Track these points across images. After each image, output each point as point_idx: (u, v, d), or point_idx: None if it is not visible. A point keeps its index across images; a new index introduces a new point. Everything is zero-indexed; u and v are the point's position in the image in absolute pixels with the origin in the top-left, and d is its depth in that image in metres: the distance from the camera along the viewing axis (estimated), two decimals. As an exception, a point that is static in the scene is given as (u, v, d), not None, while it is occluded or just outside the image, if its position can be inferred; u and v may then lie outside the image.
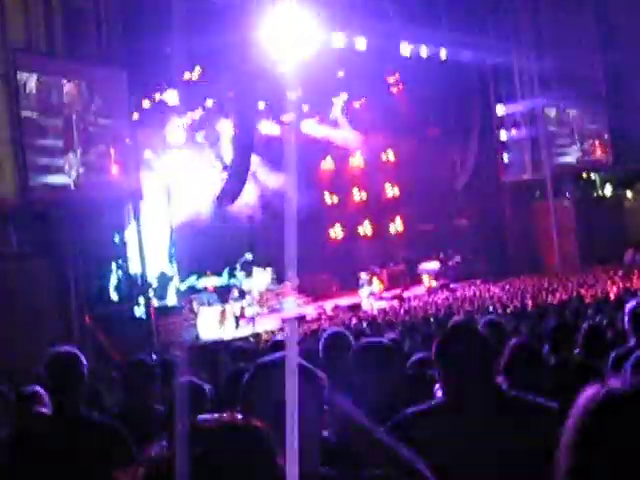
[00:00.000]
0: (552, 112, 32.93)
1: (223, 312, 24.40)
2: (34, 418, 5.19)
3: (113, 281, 19.78)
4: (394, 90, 30.83)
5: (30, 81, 16.57)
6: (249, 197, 28.84)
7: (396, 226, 33.52)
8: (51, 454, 4.38)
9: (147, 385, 6.07)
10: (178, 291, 25.48)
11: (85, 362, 4.79)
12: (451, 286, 28.95)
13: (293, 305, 25.40)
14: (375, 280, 28.67)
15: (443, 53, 29.11)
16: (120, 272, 19.56)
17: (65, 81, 17.57)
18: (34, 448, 4.44)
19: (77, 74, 17.91)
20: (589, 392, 1.86)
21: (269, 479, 1.86)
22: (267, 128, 29.07)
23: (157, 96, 24.19)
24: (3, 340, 14.05)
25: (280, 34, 22.69)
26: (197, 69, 23.91)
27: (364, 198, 33.47)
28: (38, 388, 5.62)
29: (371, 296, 27.57)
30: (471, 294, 25.48)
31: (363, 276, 28.03)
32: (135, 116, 21.54)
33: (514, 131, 32.92)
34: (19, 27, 16.68)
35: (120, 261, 19.36)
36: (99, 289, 19.25)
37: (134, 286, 19.61)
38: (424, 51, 28.54)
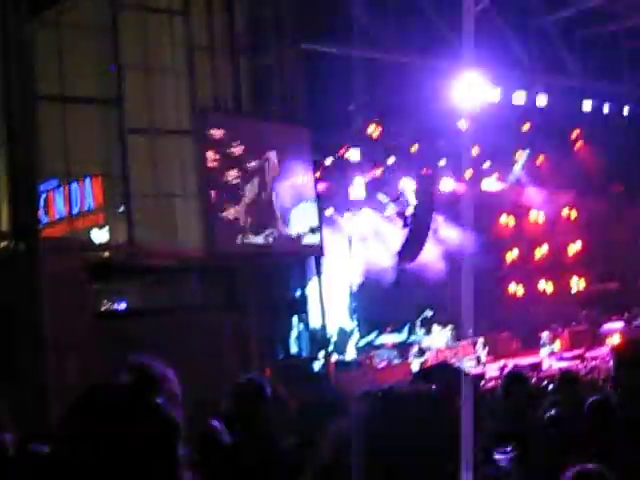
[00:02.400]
0: None
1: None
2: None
3: (294, 335, 19.61)
4: (576, 146, 29.81)
5: (217, 139, 16.67)
6: (430, 254, 28.35)
7: (578, 285, 32.25)
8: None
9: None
10: (357, 347, 25.16)
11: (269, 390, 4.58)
12: (637, 347, 27.39)
13: (472, 363, 24.68)
14: (557, 339, 27.61)
15: (626, 109, 28.01)
16: (301, 326, 19.34)
17: (251, 141, 17.60)
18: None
19: (262, 133, 17.92)
20: None
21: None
22: (448, 185, 28.65)
23: (340, 153, 24.17)
24: (183, 394, 13.93)
25: (463, 92, 22.24)
26: (379, 126, 23.74)
27: (545, 255, 32.49)
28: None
29: (552, 356, 26.55)
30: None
31: (544, 335, 27.09)
32: (318, 174, 21.47)
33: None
34: (206, 86, 16.87)
35: (301, 315, 19.15)
36: (280, 342, 19.10)
37: (314, 340, 19.34)
38: (606, 107, 27.51)
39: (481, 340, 27.13)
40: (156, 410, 2.05)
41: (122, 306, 16.94)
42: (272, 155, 17.98)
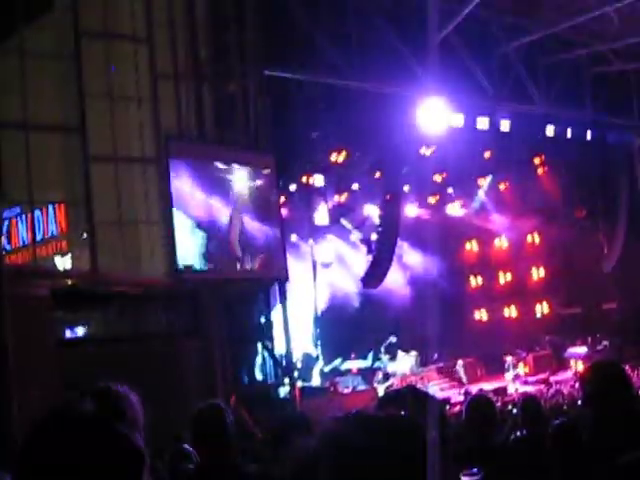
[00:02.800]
0: None
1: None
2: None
3: (258, 361, 19.65)
4: (540, 172, 30.14)
5: (180, 167, 16.75)
6: (394, 280, 28.52)
7: (542, 309, 32.54)
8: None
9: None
10: (322, 373, 25.22)
11: (230, 416, 4.68)
12: (600, 371, 27.67)
13: (436, 389, 24.80)
14: (521, 364, 27.83)
15: (588, 134, 28.39)
16: (266, 352, 19.39)
17: (214, 168, 17.70)
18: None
19: (227, 160, 18.03)
20: None
21: None
22: (412, 211, 28.89)
23: (304, 180, 24.31)
24: (149, 418, 13.93)
25: (426, 118, 22.47)
26: (343, 153, 23.92)
27: (509, 281, 32.80)
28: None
29: (517, 380, 26.76)
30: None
31: (509, 360, 27.31)
32: (282, 200, 21.59)
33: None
34: (170, 114, 16.95)
35: (266, 341, 19.19)
36: (245, 368, 19.13)
37: (279, 366, 19.38)
38: (569, 132, 27.87)
39: (460, 362, 27.32)
40: (123, 439, 2.01)
41: (83, 334, 16.90)
42: (238, 183, 18.10)
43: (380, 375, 25.19)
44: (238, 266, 17.98)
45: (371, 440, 1.91)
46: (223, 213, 17.70)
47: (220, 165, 17.76)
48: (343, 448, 1.91)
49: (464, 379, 27.38)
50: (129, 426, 2.34)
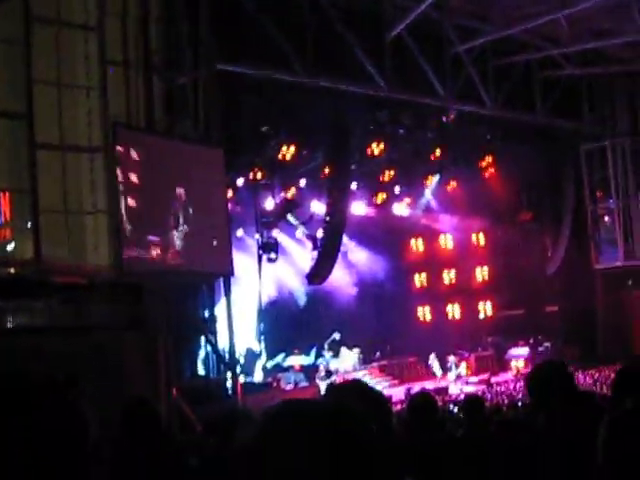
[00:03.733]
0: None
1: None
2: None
3: (201, 355, 19.77)
4: (487, 174, 30.58)
5: (127, 156, 16.80)
6: (339, 277, 28.76)
7: (486, 310, 33.01)
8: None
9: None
10: (265, 368, 25.39)
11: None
12: (540, 373, 28.19)
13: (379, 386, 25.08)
14: (463, 364, 28.24)
15: (537, 137, 28.88)
16: (209, 346, 19.52)
17: (162, 158, 17.76)
18: None
19: (175, 151, 18.11)
20: None
21: None
22: (359, 209, 29.12)
23: (251, 174, 24.41)
24: (93, 411, 14.01)
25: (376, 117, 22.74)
26: (292, 148, 24.07)
27: (453, 281, 33.19)
28: None
29: (458, 380, 27.15)
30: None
31: (451, 360, 27.68)
32: (229, 194, 21.69)
33: (607, 218, 32.26)
34: (119, 103, 16.98)
35: (209, 336, 19.32)
36: (188, 363, 19.25)
37: (222, 361, 19.52)
38: (517, 135, 28.32)
39: (452, 358, 27.54)
40: (70, 405, 2.07)
41: (24, 323, 16.87)
42: (185, 173, 18.19)
43: (323, 372, 25.43)
44: (183, 259, 18.08)
45: (305, 423, 1.88)
46: (170, 205, 17.79)
47: (168, 156, 17.82)
48: (276, 433, 1.87)
49: (438, 373, 27.62)
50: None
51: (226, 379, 19.71)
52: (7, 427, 1.94)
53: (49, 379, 2.12)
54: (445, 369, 27.94)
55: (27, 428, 1.94)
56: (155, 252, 17.41)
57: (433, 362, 28.15)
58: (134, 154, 16.97)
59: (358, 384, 3.31)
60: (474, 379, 27.91)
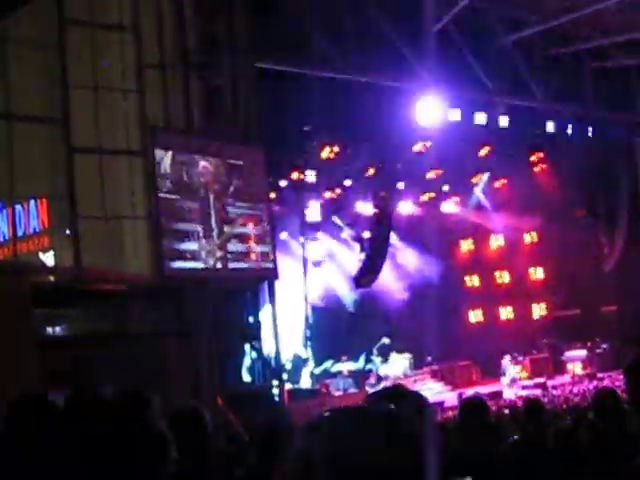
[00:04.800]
0: None
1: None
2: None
3: (246, 362, 19.68)
4: (538, 170, 30.19)
5: (166, 159, 16.75)
6: (388, 279, 28.60)
7: (540, 311, 32.63)
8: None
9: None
10: (312, 375, 25.28)
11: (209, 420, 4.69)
12: (598, 375, 27.76)
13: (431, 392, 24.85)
14: (517, 367, 27.89)
15: (589, 131, 28.43)
16: (254, 353, 19.42)
17: (202, 160, 17.68)
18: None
19: (214, 153, 18.03)
20: None
21: None
22: (407, 208, 28.95)
23: (295, 175, 24.32)
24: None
25: (422, 113, 22.53)
26: (336, 147, 23.95)
27: (506, 281, 32.88)
28: None
29: (513, 384, 26.80)
30: (619, 385, 24.31)
31: (505, 363, 27.33)
32: (272, 196, 21.60)
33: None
34: (157, 105, 16.95)
35: (254, 342, 19.22)
36: (232, 370, 19.15)
37: (267, 368, 19.41)
38: (569, 129, 27.90)
39: (506, 361, 27.22)
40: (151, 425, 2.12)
41: (65, 332, 16.91)
42: (224, 176, 18.11)
43: (372, 378, 25.28)
44: (226, 264, 18.00)
45: (357, 426, 1.98)
46: (211, 208, 17.72)
47: (208, 158, 17.77)
48: (331, 437, 1.97)
49: (516, 375, 27.27)
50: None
51: (272, 386, 19.62)
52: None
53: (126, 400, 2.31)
54: (499, 372, 27.59)
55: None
56: (196, 257, 17.34)
57: (506, 365, 27.69)
58: (171, 158, 16.93)
59: (399, 387, 3.42)
60: (529, 382, 27.54)
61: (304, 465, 1.99)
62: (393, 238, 27.30)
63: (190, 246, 17.08)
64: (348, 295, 28.24)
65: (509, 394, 25.58)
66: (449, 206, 30.81)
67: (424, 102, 22.28)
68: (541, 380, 27.41)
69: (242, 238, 18.35)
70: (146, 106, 16.59)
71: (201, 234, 17.46)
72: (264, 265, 18.90)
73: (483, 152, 27.86)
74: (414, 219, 29.23)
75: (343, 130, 23.35)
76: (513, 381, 27.03)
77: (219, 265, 17.77)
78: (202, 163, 17.64)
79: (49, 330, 15.96)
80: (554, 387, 26.06)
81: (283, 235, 25.18)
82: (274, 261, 19.28)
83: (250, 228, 18.47)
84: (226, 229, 17.99)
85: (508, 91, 24.60)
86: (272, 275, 19.39)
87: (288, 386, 21.49)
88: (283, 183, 24.25)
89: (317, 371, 25.74)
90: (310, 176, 24.70)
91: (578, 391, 23.97)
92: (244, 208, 18.52)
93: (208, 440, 5.01)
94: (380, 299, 28.52)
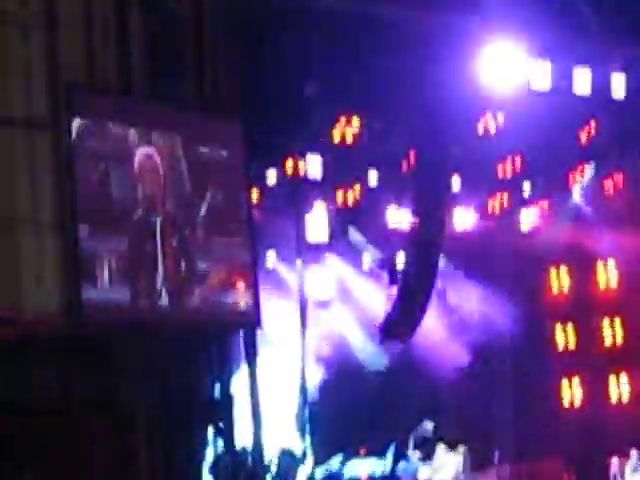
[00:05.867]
0: None
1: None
2: None
3: (208, 457, 19.69)
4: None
5: (87, 137, 16.77)
6: (432, 330, 28.66)
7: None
8: None
9: None
10: (312, 479, 25.32)
11: None
12: None
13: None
14: (639, 472, 27.93)
15: None
16: (220, 443, 19.44)
17: (143, 141, 17.71)
18: None
19: (164, 127, 18.08)
20: None
21: None
22: (465, 220, 28.98)
23: (289, 164, 24.32)
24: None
25: (492, 70, 22.62)
26: (355, 122, 24.00)
27: (619, 336, 32.79)
28: None
29: (632, 499, 26.91)
30: None
31: (614, 463, 27.35)
32: (254, 196, 21.62)
33: None
34: (75, 50, 16.98)
35: (220, 425, 19.24)
36: (185, 470, 19.11)
37: (240, 467, 19.44)
38: None
39: (617, 463, 27.18)
40: None
41: None
42: (177, 164, 18.16)
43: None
44: (178, 303, 18.05)
45: None
46: (157, 216, 17.77)
47: (153, 136, 17.82)
48: None
49: None
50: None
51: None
52: None
53: None
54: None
55: None
56: (133, 292, 17.39)
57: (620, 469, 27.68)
58: (101, 134, 16.99)
59: None
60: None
61: None
62: (443, 265, 27.32)
63: (120, 271, 17.12)
64: (371, 354, 28.29)
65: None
66: (532, 217, 30.81)
67: (495, 53, 22.33)
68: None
69: (204, 263, 18.41)
70: (59, 52, 16.64)
71: (141, 256, 17.52)
72: (236, 303, 18.95)
73: (587, 134, 27.89)
74: (476, 237, 29.22)
75: (367, 96, 23.41)
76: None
77: (165, 302, 17.80)
78: (143, 145, 17.67)
79: None
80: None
81: (269, 258, 25.19)
82: (255, 299, 19.34)
83: (215, 248, 18.53)
84: (180, 250, 18.06)
85: (630, 41, 24.64)
86: (251, 321, 19.45)
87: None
88: (272, 176, 24.26)
89: (320, 473, 25.76)
90: (314, 166, 24.71)
91: None
92: (209, 217, 18.56)
93: None
94: (421, 362, 28.55)
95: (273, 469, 23.17)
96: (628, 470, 26.96)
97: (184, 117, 18.53)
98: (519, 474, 28.41)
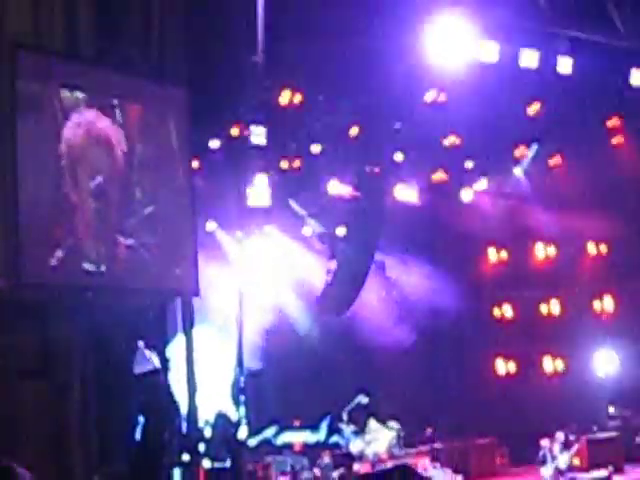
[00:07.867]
0: None
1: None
2: None
3: (139, 423, 19.73)
4: (615, 142, 30.41)
5: (37, 99, 16.82)
6: (371, 304, 28.69)
7: (608, 364, 32.81)
8: None
9: None
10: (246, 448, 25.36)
11: None
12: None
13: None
14: (567, 452, 28.07)
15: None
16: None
17: (90, 106, 17.77)
18: None
19: (110, 93, 18.14)
20: None
21: None
22: (407, 194, 29.01)
23: (234, 132, 24.26)
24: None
25: (437, 45, 22.74)
26: (298, 93, 24.03)
27: (556, 314, 32.96)
28: None
29: (560, 477, 26.97)
30: None
31: (545, 445, 27.45)
32: (195, 164, 21.62)
33: None
34: (25, 15, 17.00)
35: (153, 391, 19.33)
36: (117, 436, 19.17)
37: (174, 435, 19.53)
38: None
39: (547, 442, 27.18)
40: None
41: None
42: (123, 129, 18.24)
43: (326, 457, 25.28)
44: (114, 268, 18.11)
45: None
46: (96, 180, 17.85)
47: (100, 100, 17.88)
48: None
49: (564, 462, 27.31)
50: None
51: (181, 463, 19.72)
52: None
53: None
54: (537, 458, 27.69)
55: None
56: (72, 256, 17.45)
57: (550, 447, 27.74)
58: (48, 96, 17.03)
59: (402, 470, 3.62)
60: (585, 476, 27.73)
61: None
62: (382, 240, 27.43)
63: (63, 238, 17.18)
64: (308, 326, 28.33)
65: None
66: (473, 194, 30.93)
67: (440, 28, 22.47)
68: (604, 474, 27.62)
69: (141, 228, 18.47)
70: (5, 15, 16.67)
71: (80, 219, 17.57)
72: (177, 273, 19.03)
73: (531, 111, 28.05)
74: (418, 211, 29.30)
75: (313, 66, 23.41)
76: (559, 473, 27.21)
77: (103, 268, 17.86)
78: (89, 110, 17.74)
79: None
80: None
81: (210, 226, 25.20)
82: (193, 268, 19.42)
83: (154, 213, 18.61)
84: (117, 213, 18.12)
85: (575, 21, 24.78)
86: (189, 290, 19.53)
87: (206, 464, 21.57)
88: (214, 144, 24.21)
89: (253, 442, 25.82)
90: (257, 135, 24.64)
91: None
92: (149, 182, 18.65)
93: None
94: (358, 335, 28.57)
95: (207, 433, 23.18)
96: (556, 450, 27.05)
97: (130, 83, 18.60)
98: (452, 451, 28.48)
